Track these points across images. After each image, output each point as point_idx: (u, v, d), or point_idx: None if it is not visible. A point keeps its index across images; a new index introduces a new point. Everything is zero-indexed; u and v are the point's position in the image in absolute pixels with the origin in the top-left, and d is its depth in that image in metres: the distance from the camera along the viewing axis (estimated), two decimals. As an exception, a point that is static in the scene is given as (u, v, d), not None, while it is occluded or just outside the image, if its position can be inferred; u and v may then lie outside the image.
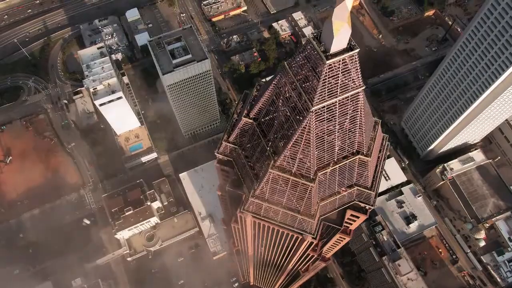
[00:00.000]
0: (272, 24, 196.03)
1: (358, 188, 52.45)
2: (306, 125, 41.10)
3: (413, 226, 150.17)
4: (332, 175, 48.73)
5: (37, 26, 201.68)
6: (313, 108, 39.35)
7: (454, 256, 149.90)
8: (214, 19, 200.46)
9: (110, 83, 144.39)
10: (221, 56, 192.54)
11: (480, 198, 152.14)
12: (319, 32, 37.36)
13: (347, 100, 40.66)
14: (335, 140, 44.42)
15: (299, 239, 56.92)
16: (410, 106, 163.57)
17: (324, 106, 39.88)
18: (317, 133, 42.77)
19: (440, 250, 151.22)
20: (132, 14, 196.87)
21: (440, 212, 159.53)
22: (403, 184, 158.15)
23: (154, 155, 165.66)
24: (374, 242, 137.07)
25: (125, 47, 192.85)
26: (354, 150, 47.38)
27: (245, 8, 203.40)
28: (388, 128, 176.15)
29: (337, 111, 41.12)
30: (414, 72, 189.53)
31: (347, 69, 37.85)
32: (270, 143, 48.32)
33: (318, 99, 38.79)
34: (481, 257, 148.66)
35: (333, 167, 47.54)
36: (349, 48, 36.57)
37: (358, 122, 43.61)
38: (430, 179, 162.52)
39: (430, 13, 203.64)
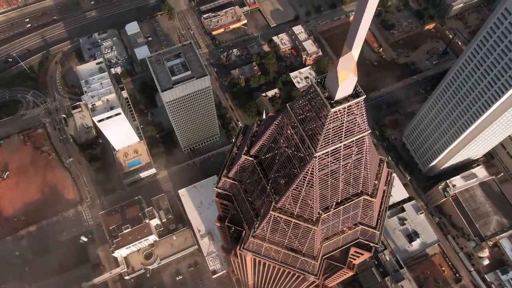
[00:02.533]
0: (272, 37, 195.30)
1: (363, 227, 50.63)
2: (309, 169, 39.43)
3: (416, 244, 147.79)
4: (336, 216, 46.92)
5: (36, 39, 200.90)
6: (316, 154, 37.71)
7: (457, 275, 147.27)
8: (214, 33, 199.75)
9: (108, 99, 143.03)
10: (221, 70, 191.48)
11: (484, 215, 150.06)
12: (323, 77, 35.85)
13: (352, 143, 39.05)
14: (339, 182, 42.68)
15: (300, 277, 54.94)
16: (411, 121, 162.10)
17: (328, 151, 38.29)
18: (320, 176, 41.05)
19: (443, 269, 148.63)
20: (132, 28, 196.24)
21: (443, 229, 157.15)
22: (405, 201, 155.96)
23: (153, 170, 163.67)
24: (376, 262, 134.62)
25: (124, 61, 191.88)
26: (359, 191, 45.65)
27: (245, 21, 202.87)
28: (389, 143, 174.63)
29: (341, 155, 39.50)
30: (415, 86, 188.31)
31: (352, 114, 36.29)
32: (270, 182, 46.54)
33: (322, 145, 37.18)
34: (485, 275, 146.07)
35: (337, 209, 45.76)
36: (355, 94, 35.02)
37: (363, 164, 41.96)
38: (432, 195, 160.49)
39: (430, 26, 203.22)
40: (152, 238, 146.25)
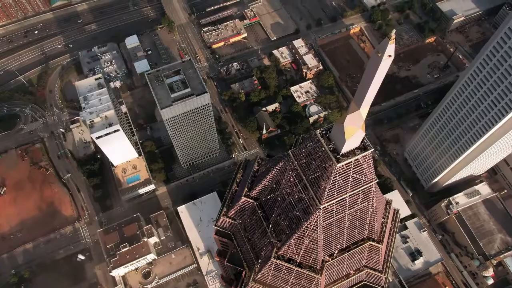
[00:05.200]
0: (273, 51, 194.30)
1: (368, 270, 48.53)
2: (312, 220, 37.53)
3: (419, 262, 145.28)
4: (341, 262, 44.85)
5: (36, 52, 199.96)
6: (321, 206, 35.86)
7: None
8: (214, 46, 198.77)
9: (107, 115, 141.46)
10: (221, 84, 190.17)
11: (487, 233, 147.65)
12: (328, 128, 34.10)
13: (359, 193, 37.23)
14: (344, 229, 40.73)
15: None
16: (413, 137, 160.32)
17: (333, 202, 36.48)
18: (325, 225, 39.13)
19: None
20: (132, 41, 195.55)
21: (446, 247, 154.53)
22: (407, 218, 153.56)
23: (151, 187, 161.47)
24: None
25: (124, 75, 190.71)
26: (365, 236, 43.69)
27: (245, 35, 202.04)
28: (390, 158, 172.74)
29: (347, 204, 37.64)
30: (416, 100, 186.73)
31: (359, 166, 34.54)
32: (271, 225, 44.55)
33: (327, 197, 35.35)
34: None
35: (342, 255, 43.76)
36: (363, 147, 33.26)
37: (370, 211, 40.04)
38: (435, 212, 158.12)
39: (431, 40, 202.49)
40: (151, 256, 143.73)
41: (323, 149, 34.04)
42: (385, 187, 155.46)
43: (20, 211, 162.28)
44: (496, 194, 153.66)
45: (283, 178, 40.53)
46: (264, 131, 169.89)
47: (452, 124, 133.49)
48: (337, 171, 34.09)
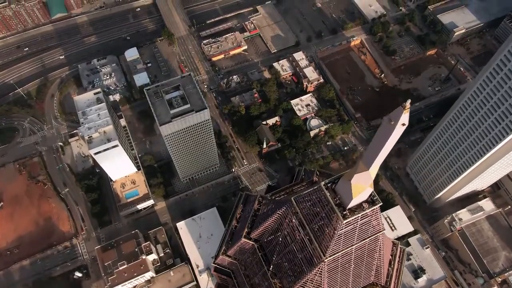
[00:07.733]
0: (273, 64, 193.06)
1: (374, 314, 46.63)
2: (316, 272, 35.64)
3: (422, 280, 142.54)
4: (346, 307, 43.00)
5: (34, 65, 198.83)
6: (325, 260, 34.02)
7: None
8: (214, 59, 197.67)
9: (106, 131, 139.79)
10: (221, 96, 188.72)
11: (492, 250, 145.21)
12: (334, 180, 32.34)
13: (365, 243, 35.43)
14: (349, 277, 38.82)
15: None
16: (415, 152, 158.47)
17: (339, 255, 34.67)
18: (329, 275, 37.24)
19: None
20: (131, 54, 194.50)
21: (449, 264, 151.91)
22: (410, 234, 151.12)
23: (150, 202, 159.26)
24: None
25: (123, 87, 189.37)
26: (371, 282, 41.81)
27: (245, 47, 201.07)
28: (392, 173, 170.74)
29: (353, 254, 35.79)
30: (417, 113, 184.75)
31: (366, 217, 32.77)
32: (272, 267, 42.60)
33: (332, 250, 33.53)
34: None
35: (347, 302, 41.85)
36: (371, 201, 31.54)
37: (376, 258, 38.18)
38: (438, 228, 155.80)
39: (432, 52, 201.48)
40: (149, 274, 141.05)
41: (328, 203, 32.40)
42: (387, 203, 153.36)
43: (17, 226, 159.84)
44: (500, 210, 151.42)
45: (284, 222, 38.83)
46: (264, 145, 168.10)
47: (455, 140, 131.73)
48: (343, 225, 32.38)
